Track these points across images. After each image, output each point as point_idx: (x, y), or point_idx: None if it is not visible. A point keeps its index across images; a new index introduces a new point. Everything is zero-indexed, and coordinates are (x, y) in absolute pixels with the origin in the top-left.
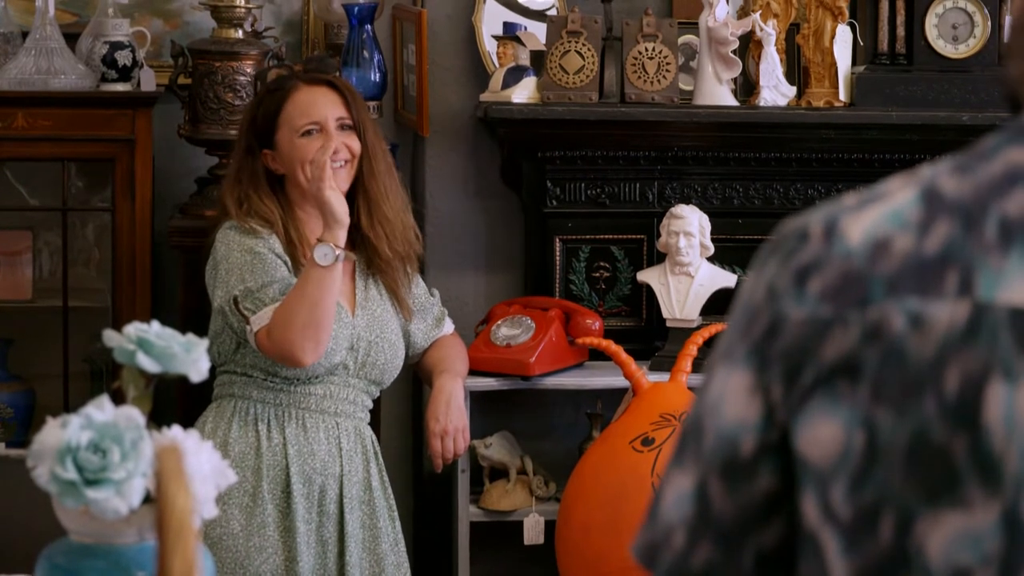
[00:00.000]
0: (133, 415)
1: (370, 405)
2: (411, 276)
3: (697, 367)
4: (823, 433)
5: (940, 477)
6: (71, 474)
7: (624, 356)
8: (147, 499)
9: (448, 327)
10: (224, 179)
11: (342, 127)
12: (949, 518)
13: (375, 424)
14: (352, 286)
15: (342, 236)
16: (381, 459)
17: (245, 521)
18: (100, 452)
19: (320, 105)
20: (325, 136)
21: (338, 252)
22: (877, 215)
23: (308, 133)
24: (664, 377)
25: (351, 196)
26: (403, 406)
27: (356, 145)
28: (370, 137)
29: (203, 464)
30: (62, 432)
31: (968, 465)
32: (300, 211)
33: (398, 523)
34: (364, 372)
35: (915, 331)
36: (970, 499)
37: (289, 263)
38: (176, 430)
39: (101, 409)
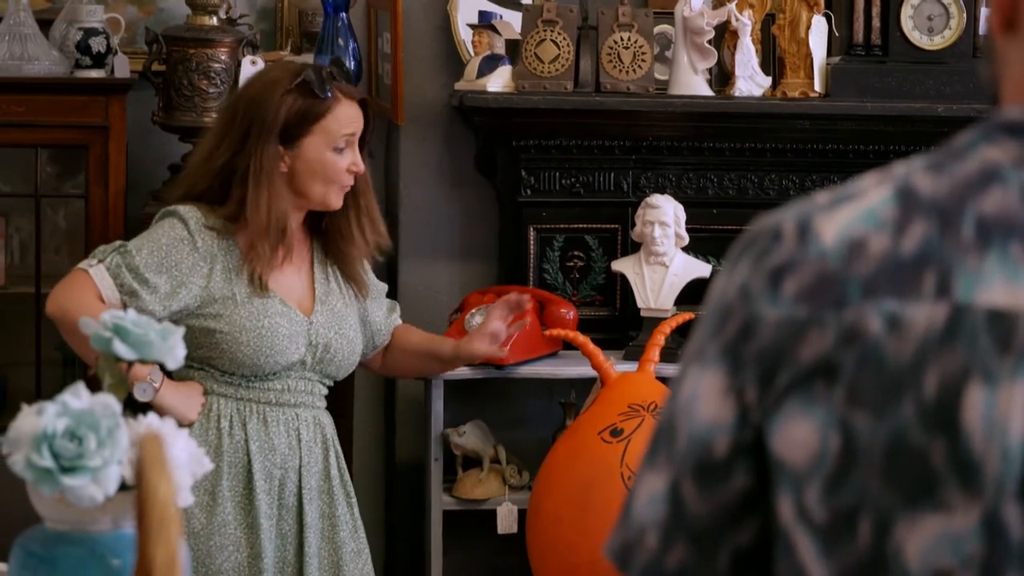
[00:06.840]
0: (109, 403)
1: (325, 392)
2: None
3: (666, 356)
4: (798, 434)
5: (919, 480)
6: (47, 461)
7: (591, 347)
8: (122, 487)
9: (399, 318)
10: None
11: (356, 144)
12: (928, 521)
13: (347, 413)
14: (311, 283)
15: (168, 392)
16: (338, 446)
17: (206, 520)
18: (76, 439)
19: (356, 122)
20: (351, 151)
21: (154, 388)
22: (851, 214)
23: (338, 150)
24: (634, 367)
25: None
26: (375, 393)
27: (362, 164)
28: (366, 152)
29: (180, 452)
30: (38, 419)
31: (947, 468)
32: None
33: (356, 510)
34: (320, 367)
35: (892, 333)
36: (949, 502)
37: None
38: (152, 417)
39: (77, 396)
